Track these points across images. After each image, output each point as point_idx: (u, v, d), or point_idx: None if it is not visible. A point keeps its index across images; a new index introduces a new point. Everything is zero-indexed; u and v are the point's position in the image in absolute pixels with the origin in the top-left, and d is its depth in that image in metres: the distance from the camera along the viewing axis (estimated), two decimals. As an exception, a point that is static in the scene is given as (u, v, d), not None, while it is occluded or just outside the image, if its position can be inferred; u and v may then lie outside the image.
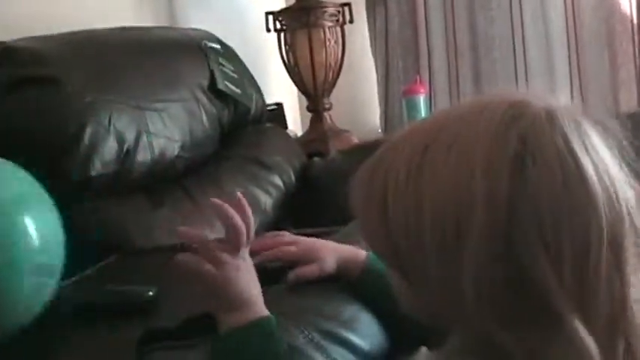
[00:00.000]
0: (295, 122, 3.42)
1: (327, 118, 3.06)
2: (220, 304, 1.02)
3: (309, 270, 1.21)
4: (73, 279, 1.52)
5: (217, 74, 2.21)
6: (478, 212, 0.72)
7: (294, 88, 3.19)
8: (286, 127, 3.04)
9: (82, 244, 1.71)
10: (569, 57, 3.32)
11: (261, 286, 1.22)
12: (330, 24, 2.97)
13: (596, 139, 0.77)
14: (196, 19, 2.90)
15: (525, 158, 0.73)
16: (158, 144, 1.93)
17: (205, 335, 1.03)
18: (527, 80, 3.36)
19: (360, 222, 0.83)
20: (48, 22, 2.17)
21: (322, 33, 2.95)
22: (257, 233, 1.17)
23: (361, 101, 3.57)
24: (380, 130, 3.51)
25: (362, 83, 3.55)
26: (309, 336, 1.12)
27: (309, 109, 3.09)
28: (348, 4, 3.01)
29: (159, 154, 1.94)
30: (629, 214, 0.76)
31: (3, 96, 1.78)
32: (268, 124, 2.47)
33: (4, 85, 1.79)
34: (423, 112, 3.15)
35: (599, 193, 0.74)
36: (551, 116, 0.76)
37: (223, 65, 2.26)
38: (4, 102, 1.78)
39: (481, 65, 3.42)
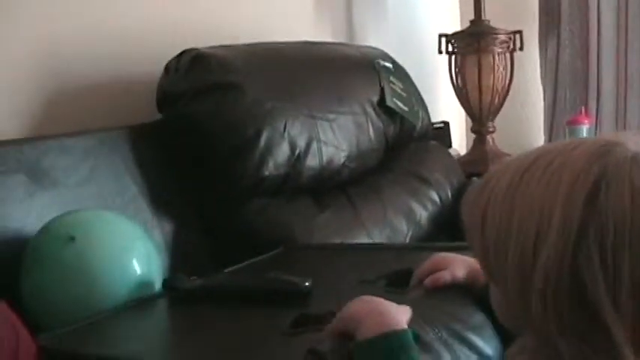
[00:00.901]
0: (460, 142, 3.50)
1: (490, 140, 3.15)
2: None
3: (441, 276, 1.33)
4: (237, 266, 1.68)
5: (387, 91, 2.34)
6: (553, 231, 0.81)
7: (461, 109, 3.29)
8: (450, 146, 3.15)
9: (251, 236, 1.90)
10: None
11: (395, 289, 1.36)
12: (500, 50, 3.06)
13: None
14: (372, 36, 3.05)
15: (600, 188, 0.81)
16: (327, 151, 2.09)
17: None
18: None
19: (466, 229, 0.93)
20: (234, 32, 2.38)
21: (492, 58, 3.04)
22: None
23: (526, 127, 3.61)
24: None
25: (528, 110, 3.60)
26: (439, 334, 1.23)
27: (473, 130, 3.19)
28: (520, 32, 3.09)
29: (326, 161, 2.09)
30: None
31: (193, 98, 1.98)
32: (432, 142, 2.58)
33: (195, 88, 1.99)
34: (585, 142, 3.18)
35: None
36: (636, 159, 0.83)
37: (394, 83, 2.39)
38: (193, 104, 1.99)
39: (651, 100, 3.41)
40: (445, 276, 1.33)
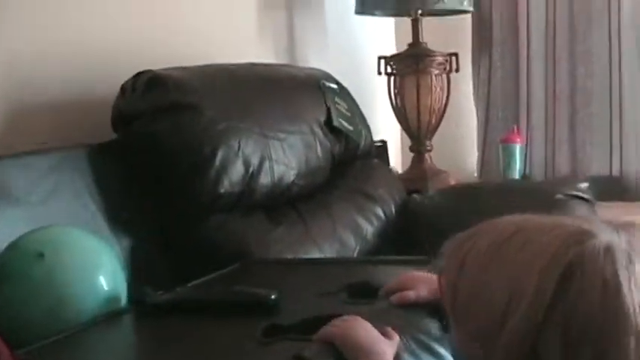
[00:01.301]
0: (397, 159, 3.61)
1: (428, 158, 3.27)
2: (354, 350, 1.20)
3: (407, 295, 1.41)
4: (200, 280, 1.75)
5: (333, 112, 2.44)
6: (525, 301, 0.89)
7: (397, 128, 3.40)
8: (388, 164, 3.25)
9: (209, 251, 1.97)
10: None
11: (364, 300, 1.44)
12: (437, 71, 3.18)
13: None
14: (313, 58, 3.15)
15: (575, 272, 0.89)
16: (278, 170, 2.18)
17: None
18: (621, 136, 3.48)
19: (444, 267, 1.01)
20: (184, 53, 2.44)
21: (430, 79, 3.16)
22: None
23: (461, 145, 3.74)
24: (476, 174, 3.68)
25: (462, 129, 3.73)
26: (407, 343, 1.31)
27: (411, 149, 3.30)
28: (456, 54, 3.22)
29: (278, 179, 2.18)
30: None
31: (151, 118, 2.05)
32: (375, 160, 2.69)
33: (153, 108, 2.06)
34: (518, 159, 3.33)
35: (633, 326, 0.88)
36: (609, 250, 0.91)
37: (338, 104, 2.49)
38: (151, 124, 2.05)
39: (577, 118, 3.55)
40: (410, 295, 1.41)
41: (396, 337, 1.24)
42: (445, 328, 1.28)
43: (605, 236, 0.92)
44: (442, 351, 1.35)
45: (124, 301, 1.62)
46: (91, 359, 1.38)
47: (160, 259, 1.99)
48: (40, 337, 1.43)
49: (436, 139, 3.31)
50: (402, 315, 1.37)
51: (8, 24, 2.03)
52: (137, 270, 1.88)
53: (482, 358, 0.94)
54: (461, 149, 3.75)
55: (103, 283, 1.59)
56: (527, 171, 3.51)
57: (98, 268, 1.60)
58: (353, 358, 1.17)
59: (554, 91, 3.58)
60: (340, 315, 1.27)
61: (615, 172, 3.53)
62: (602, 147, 3.54)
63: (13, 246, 1.59)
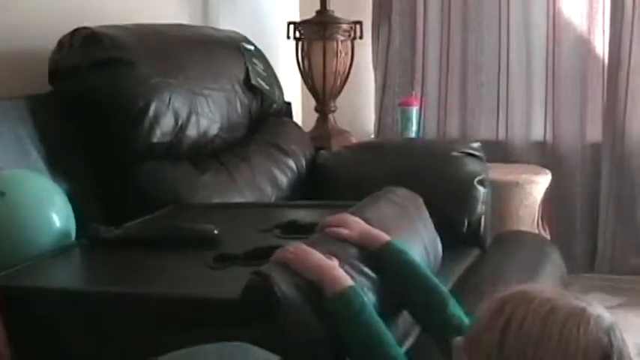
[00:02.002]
0: (299, 120, 3.81)
1: (332, 119, 3.49)
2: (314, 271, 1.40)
3: (340, 231, 1.60)
4: (137, 221, 1.92)
5: (251, 71, 2.63)
6: None
7: (300, 90, 3.61)
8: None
9: (143, 195, 2.14)
10: (546, 89, 3.72)
11: (295, 236, 1.65)
12: (342, 38, 3.40)
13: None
14: (226, 21, 3.32)
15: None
16: (203, 123, 2.37)
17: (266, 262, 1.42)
18: (507, 105, 3.76)
19: (479, 324, 1.17)
20: (106, 13, 2.58)
21: (335, 45, 3.38)
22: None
23: (360, 108, 3.98)
24: (372, 136, 3.92)
25: (363, 92, 3.97)
26: (343, 265, 1.49)
27: (316, 109, 3.52)
28: (360, 22, 3.44)
29: (203, 131, 2.38)
30: None
31: (88, 72, 2.21)
32: (286, 118, 2.90)
33: (90, 62, 2.21)
34: (414, 122, 3.58)
35: None
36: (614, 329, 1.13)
37: (256, 64, 2.69)
38: (89, 78, 2.21)
39: (468, 86, 3.82)
40: (343, 232, 1.60)
41: (336, 261, 1.45)
42: None
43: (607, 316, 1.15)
44: (372, 275, 1.54)
45: (73, 236, 1.79)
46: (53, 284, 1.54)
47: (96, 203, 2.15)
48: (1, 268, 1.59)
49: (340, 102, 3.53)
50: (336, 243, 1.56)
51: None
52: (77, 212, 2.04)
53: None
54: (361, 112, 3.98)
55: (56, 219, 1.77)
56: (421, 134, 3.76)
57: (52, 206, 1.78)
58: (314, 277, 1.37)
59: (448, 60, 3.82)
60: (280, 246, 1.46)
61: (501, 137, 3.81)
62: (489, 114, 3.82)
63: (-29, 186, 1.75)
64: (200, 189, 2.23)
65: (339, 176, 2.68)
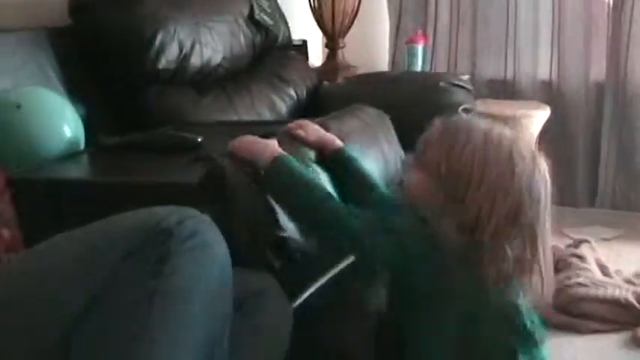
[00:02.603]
0: (317, 56, 4.05)
1: (341, 55, 3.73)
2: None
3: (298, 133, 1.83)
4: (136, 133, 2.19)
5: (255, 7, 2.89)
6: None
7: (318, 29, 3.84)
8: (307, 60, 3.70)
9: (149, 115, 2.42)
10: (552, 30, 3.87)
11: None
12: (350, -23, 3.62)
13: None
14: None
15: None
16: (207, 52, 2.64)
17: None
18: (515, 47, 3.94)
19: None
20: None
21: (343, -16, 3.60)
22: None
23: (371, 45, 4.19)
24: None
25: (374, 31, 4.18)
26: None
27: (327, 46, 3.76)
28: (369, -37, 3.66)
29: (206, 60, 2.65)
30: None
31: (101, 7, 2.49)
32: (291, 52, 3.15)
33: (106, 2, 2.49)
34: (420, 59, 3.79)
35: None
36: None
37: (261, 1, 2.94)
38: (102, 11, 2.50)
39: (477, 28, 3.99)
40: (300, 134, 1.83)
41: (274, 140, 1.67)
42: None
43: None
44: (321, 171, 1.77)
45: (82, 146, 2.07)
46: (59, 175, 1.83)
47: (109, 122, 2.43)
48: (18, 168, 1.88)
49: (349, 39, 3.76)
50: (292, 145, 1.78)
51: None
52: (89, 128, 2.32)
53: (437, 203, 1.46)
54: (371, 49, 4.18)
55: (67, 129, 2.05)
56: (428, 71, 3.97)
57: (63, 118, 2.06)
58: (254, 159, 1.60)
59: (459, 2, 4.02)
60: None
61: (509, 76, 3.99)
62: (498, 54, 4.00)
63: (-5, 100, 2.04)
64: (200, 110, 2.51)
65: (335, 104, 2.91)
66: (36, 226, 1.55)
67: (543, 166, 1.49)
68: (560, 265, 3.21)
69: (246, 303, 1.35)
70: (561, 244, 3.41)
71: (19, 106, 1.99)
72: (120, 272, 1.08)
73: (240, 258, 1.28)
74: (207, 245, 1.14)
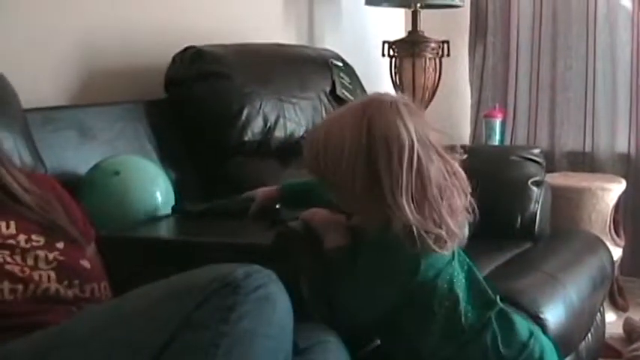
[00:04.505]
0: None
1: (421, 128, 3.88)
2: None
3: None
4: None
5: (337, 84, 3.08)
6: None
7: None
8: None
9: (233, 183, 2.61)
10: (630, 105, 3.98)
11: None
12: (430, 55, 3.80)
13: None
14: (329, 41, 3.78)
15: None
16: (290, 126, 2.84)
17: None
18: (593, 119, 4.05)
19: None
20: (222, 32, 3.09)
21: (424, 62, 3.78)
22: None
23: (453, 118, 4.34)
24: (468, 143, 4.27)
25: (455, 105, 4.34)
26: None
27: (407, 119, 3.91)
28: (447, 42, 3.83)
29: (289, 133, 2.84)
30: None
31: (194, 83, 2.71)
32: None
33: (195, 75, 2.72)
34: (497, 132, 3.93)
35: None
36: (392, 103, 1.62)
37: (343, 78, 3.13)
38: (194, 87, 2.72)
39: (556, 101, 4.13)
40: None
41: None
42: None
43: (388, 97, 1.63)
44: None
45: (170, 210, 2.28)
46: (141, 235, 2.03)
47: (196, 188, 2.63)
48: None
49: (429, 114, 3.91)
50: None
51: (85, 3, 2.68)
52: (178, 194, 2.52)
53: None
54: (455, 123, 4.33)
55: (159, 195, 2.26)
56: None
57: (156, 185, 2.27)
58: (321, 230, 1.78)
59: (538, 77, 4.15)
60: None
61: (587, 148, 4.10)
62: (577, 127, 4.11)
63: (96, 167, 2.26)
64: (282, 179, 2.68)
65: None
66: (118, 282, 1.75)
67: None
68: (634, 336, 3.28)
69: (311, 350, 1.51)
70: (637, 316, 3.48)
71: (117, 173, 2.20)
72: (194, 317, 1.26)
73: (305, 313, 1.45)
74: (270, 296, 1.31)
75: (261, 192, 2.08)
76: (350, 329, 1.70)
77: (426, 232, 1.60)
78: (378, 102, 1.64)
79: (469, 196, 1.71)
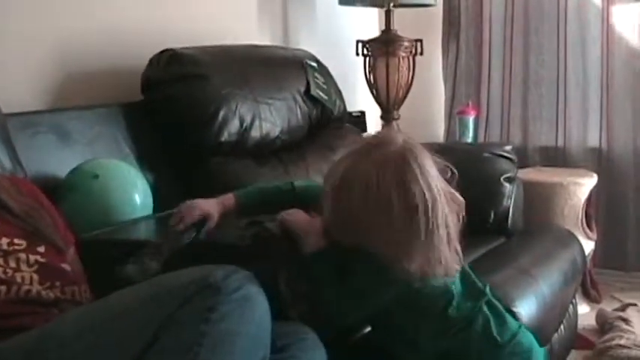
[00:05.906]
0: (375, 127, 4.25)
1: (396, 126, 3.94)
2: None
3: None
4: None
5: (312, 84, 3.12)
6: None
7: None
8: (366, 130, 3.91)
9: (211, 183, 2.64)
10: (601, 100, 4.04)
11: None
12: (403, 54, 3.84)
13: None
14: (303, 41, 3.82)
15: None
16: (266, 126, 2.88)
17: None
18: (565, 114, 4.11)
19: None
20: (197, 34, 3.13)
21: (397, 61, 3.82)
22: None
23: (425, 115, 4.40)
24: (442, 140, 4.33)
25: (428, 102, 4.40)
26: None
27: (382, 117, 3.97)
28: (420, 40, 3.88)
29: (265, 134, 2.88)
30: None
31: (171, 85, 2.74)
32: (347, 125, 3.36)
33: (172, 77, 2.75)
34: (471, 129, 3.99)
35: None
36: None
37: (317, 78, 3.17)
38: (171, 89, 2.75)
39: (529, 97, 4.19)
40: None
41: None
42: None
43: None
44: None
45: (150, 211, 2.31)
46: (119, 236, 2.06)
47: (174, 190, 2.65)
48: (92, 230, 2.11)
49: (403, 110, 3.97)
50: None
51: (61, 8, 2.70)
52: (156, 196, 2.54)
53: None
54: (425, 119, 4.39)
55: (137, 197, 2.29)
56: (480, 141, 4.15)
57: (134, 187, 2.30)
58: (300, 232, 1.81)
59: (510, 74, 4.20)
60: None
61: (560, 143, 4.16)
62: (549, 123, 4.18)
63: (75, 170, 2.28)
64: (258, 179, 2.72)
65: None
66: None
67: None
68: (606, 327, 3.34)
69: (289, 347, 1.57)
70: (610, 307, 3.55)
71: (96, 176, 2.23)
72: (176, 317, 1.30)
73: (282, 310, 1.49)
74: (249, 297, 1.37)
75: (214, 211, 2.01)
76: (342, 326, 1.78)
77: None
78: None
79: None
